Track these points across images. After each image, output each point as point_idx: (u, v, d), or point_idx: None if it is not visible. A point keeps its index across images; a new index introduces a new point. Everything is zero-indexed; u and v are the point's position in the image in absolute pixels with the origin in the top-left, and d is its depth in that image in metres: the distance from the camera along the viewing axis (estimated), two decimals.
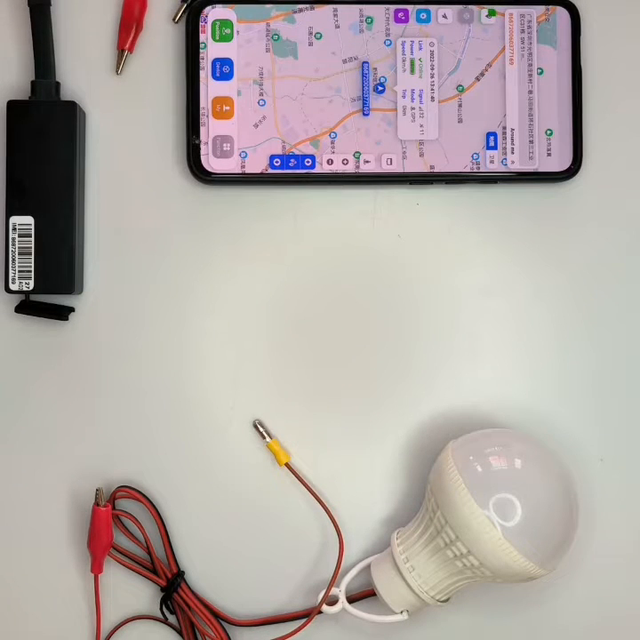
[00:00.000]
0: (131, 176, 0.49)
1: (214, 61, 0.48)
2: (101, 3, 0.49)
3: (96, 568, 0.48)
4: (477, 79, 0.49)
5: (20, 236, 0.46)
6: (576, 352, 0.50)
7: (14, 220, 0.46)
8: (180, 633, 0.48)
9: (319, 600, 0.47)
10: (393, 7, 0.48)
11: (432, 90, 0.49)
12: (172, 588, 0.47)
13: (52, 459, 0.49)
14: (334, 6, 0.48)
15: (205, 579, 0.49)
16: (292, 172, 0.48)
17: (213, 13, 0.48)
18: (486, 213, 0.50)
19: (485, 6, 0.49)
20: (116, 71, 0.48)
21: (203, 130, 0.48)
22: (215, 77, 0.48)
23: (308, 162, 0.48)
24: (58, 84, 0.48)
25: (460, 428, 0.48)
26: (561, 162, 0.49)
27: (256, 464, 0.49)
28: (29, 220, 0.46)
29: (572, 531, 0.46)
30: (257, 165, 0.48)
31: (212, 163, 0.48)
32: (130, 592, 0.49)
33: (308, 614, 0.47)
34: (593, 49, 0.50)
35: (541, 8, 0.49)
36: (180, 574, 0.48)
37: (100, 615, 0.48)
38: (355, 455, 0.49)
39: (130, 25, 0.48)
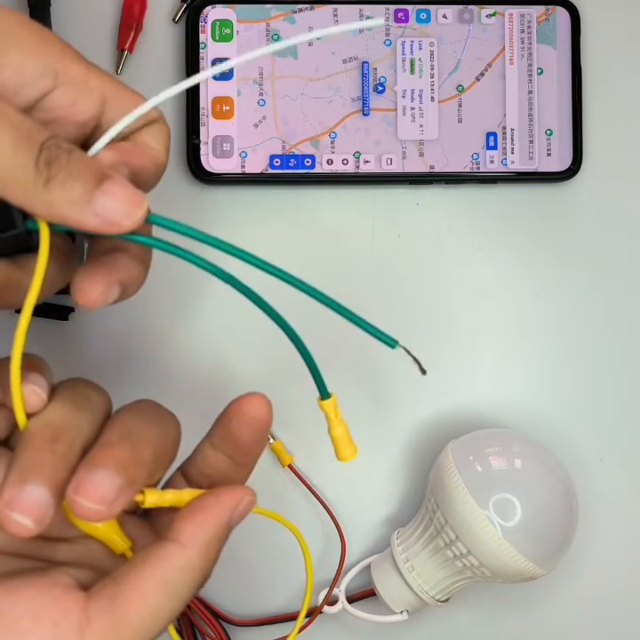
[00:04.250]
0: None
1: (214, 61, 0.48)
2: (101, 3, 0.49)
3: None
4: (477, 79, 0.49)
5: None
6: (576, 352, 0.50)
7: None
8: (180, 633, 0.48)
9: (320, 600, 0.47)
10: (393, 7, 0.48)
11: (432, 90, 0.49)
12: None
13: None
14: (334, 6, 0.48)
15: None
16: (291, 172, 0.48)
17: (213, 13, 0.48)
18: (486, 213, 0.50)
19: (485, 6, 0.49)
20: (116, 71, 0.48)
21: (202, 130, 0.48)
22: (215, 77, 0.48)
23: (307, 162, 0.48)
24: None
25: (459, 428, 0.48)
26: (561, 162, 0.49)
27: (259, 465, 0.49)
28: None
29: (572, 531, 0.46)
30: (257, 165, 0.48)
31: (211, 163, 0.48)
32: None
33: (308, 614, 0.47)
34: (593, 49, 0.50)
35: (541, 8, 0.49)
36: None
37: None
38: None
39: (130, 25, 0.48)
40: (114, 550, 0.34)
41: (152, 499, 0.32)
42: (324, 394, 0.35)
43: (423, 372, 0.36)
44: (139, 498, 0.32)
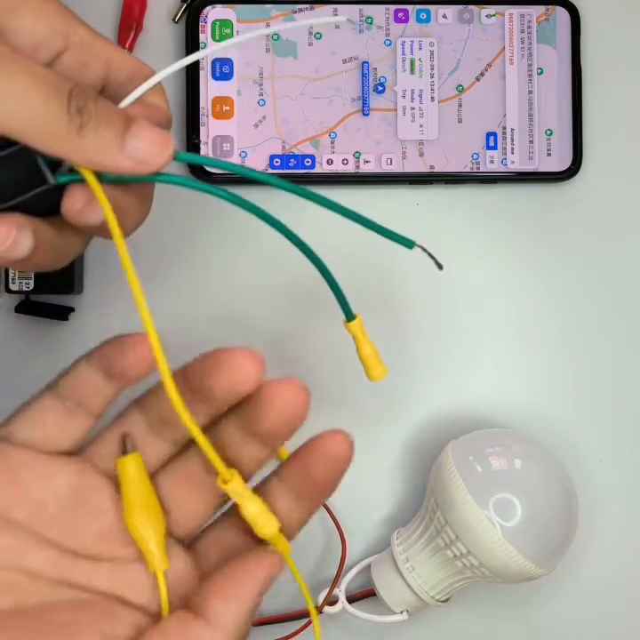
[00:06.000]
0: None
1: (214, 61, 0.48)
2: (101, 3, 0.49)
3: None
4: (477, 79, 0.49)
5: None
6: (576, 352, 0.50)
7: None
8: None
9: (320, 601, 0.47)
10: (393, 7, 0.48)
11: (432, 90, 0.49)
12: None
13: None
14: (334, 6, 0.48)
15: None
16: (291, 172, 0.48)
17: (213, 13, 0.48)
18: (486, 213, 0.50)
19: (485, 6, 0.49)
20: None
21: (203, 130, 0.48)
22: (215, 77, 0.48)
23: (307, 162, 0.48)
24: None
25: (460, 427, 0.48)
26: (561, 162, 0.49)
27: None
28: None
29: (572, 531, 0.46)
30: (257, 165, 0.48)
31: None
32: None
33: (307, 614, 0.47)
34: (593, 49, 0.50)
35: (541, 8, 0.49)
36: None
37: None
38: (355, 455, 0.49)
39: (130, 25, 0.48)
40: (148, 566, 0.33)
41: (234, 487, 0.32)
42: (350, 315, 0.35)
43: (440, 267, 0.36)
44: (226, 476, 0.32)
